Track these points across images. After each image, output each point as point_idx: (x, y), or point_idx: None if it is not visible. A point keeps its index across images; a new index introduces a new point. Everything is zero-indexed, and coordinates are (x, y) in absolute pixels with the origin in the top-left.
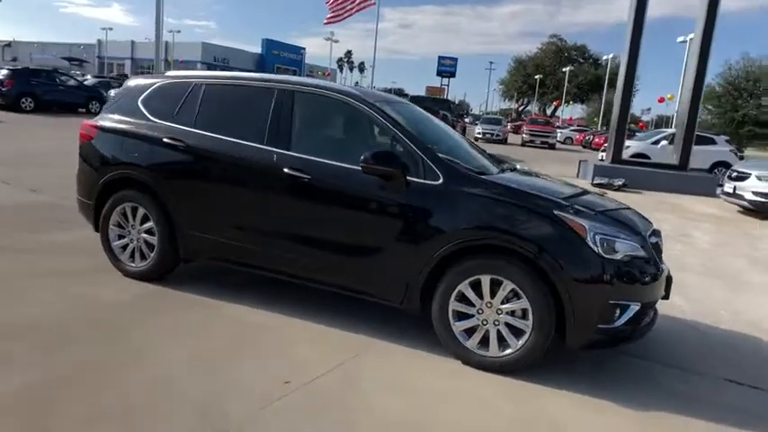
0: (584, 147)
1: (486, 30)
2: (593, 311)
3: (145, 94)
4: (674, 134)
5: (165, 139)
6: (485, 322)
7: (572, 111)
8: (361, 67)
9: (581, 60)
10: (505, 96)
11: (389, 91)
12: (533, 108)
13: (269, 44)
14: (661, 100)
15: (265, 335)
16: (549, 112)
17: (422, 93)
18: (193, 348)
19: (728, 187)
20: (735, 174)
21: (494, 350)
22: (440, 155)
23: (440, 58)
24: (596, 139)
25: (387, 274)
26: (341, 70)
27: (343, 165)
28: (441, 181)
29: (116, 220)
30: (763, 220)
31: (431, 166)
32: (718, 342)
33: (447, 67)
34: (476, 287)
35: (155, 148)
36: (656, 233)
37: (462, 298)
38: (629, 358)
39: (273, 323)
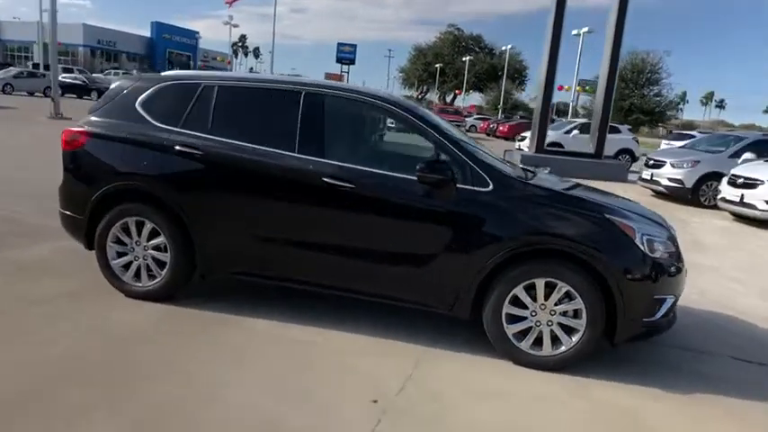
0: (487, 135)
1: (381, 16)
2: (640, 307)
3: (144, 96)
4: (584, 124)
5: (177, 147)
6: (538, 323)
7: (470, 99)
8: (256, 53)
9: (477, 50)
10: (406, 84)
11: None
12: (433, 96)
13: (159, 27)
14: (560, 88)
15: (316, 351)
16: (448, 100)
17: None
18: (255, 373)
19: (646, 174)
20: (651, 161)
21: (547, 349)
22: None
23: (339, 44)
24: (501, 128)
25: (435, 282)
26: (236, 55)
27: (390, 173)
28: (491, 187)
29: (115, 237)
30: (676, 203)
31: (479, 172)
32: (706, 322)
33: (346, 54)
34: (529, 290)
35: (166, 157)
36: (672, 227)
37: (516, 301)
38: (643, 344)
39: (316, 338)
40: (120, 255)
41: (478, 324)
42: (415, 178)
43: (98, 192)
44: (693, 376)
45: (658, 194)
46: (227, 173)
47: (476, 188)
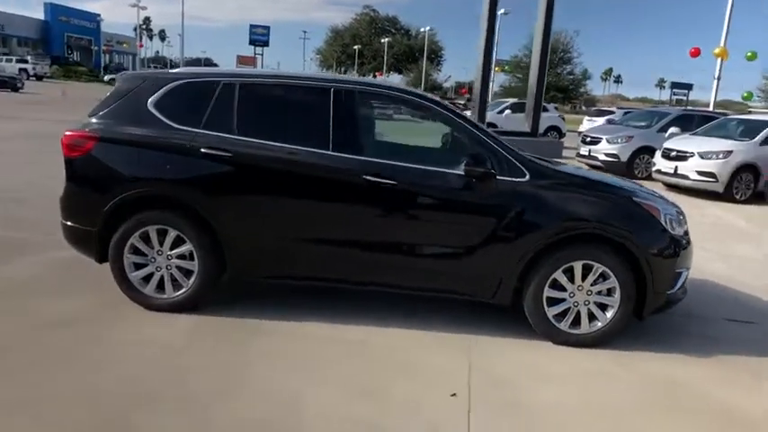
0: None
1: None
2: (666, 281)
3: (156, 95)
4: (515, 103)
5: (205, 150)
6: (576, 304)
7: (390, 81)
8: (162, 35)
9: (393, 31)
10: (323, 66)
11: (198, 60)
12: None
13: (54, 9)
14: None
15: (371, 349)
16: None
17: (233, 63)
18: (325, 378)
19: (584, 150)
20: (589, 138)
21: (585, 327)
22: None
23: (251, 26)
24: None
25: (479, 272)
26: (140, 39)
27: (431, 168)
28: (527, 177)
29: (133, 248)
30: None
31: (515, 163)
32: (694, 289)
33: (260, 36)
34: (566, 272)
35: (190, 160)
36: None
37: (554, 284)
38: (656, 315)
39: (365, 336)
40: (137, 266)
41: (510, 309)
42: (455, 172)
43: (113, 200)
44: (705, 339)
45: (595, 168)
46: (259, 174)
47: (514, 179)
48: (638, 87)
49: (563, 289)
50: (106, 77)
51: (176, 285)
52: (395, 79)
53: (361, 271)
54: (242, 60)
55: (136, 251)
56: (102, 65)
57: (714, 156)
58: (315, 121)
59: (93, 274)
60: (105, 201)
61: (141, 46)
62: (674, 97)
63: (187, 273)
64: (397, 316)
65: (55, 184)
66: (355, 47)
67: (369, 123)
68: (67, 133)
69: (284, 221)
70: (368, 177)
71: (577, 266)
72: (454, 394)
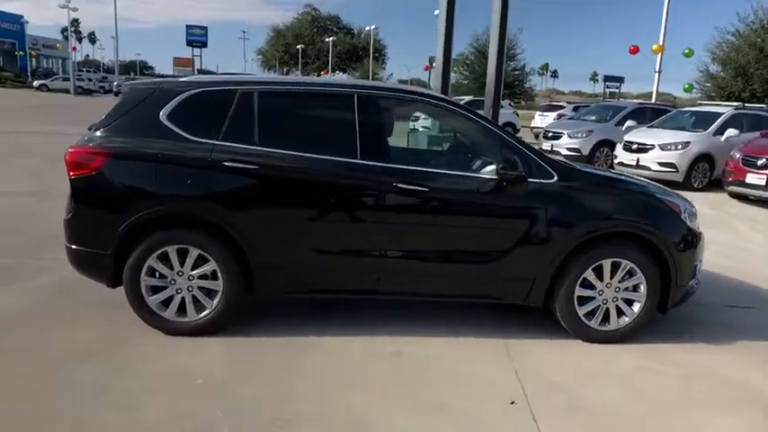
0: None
1: None
2: (687, 274)
3: (169, 107)
4: (472, 101)
5: (226, 163)
6: (605, 301)
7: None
8: (93, 38)
9: (336, 30)
10: (266, 66)
11: (134, 64)
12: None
13: None
14: (427, 68)
15: (414, 361)
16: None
17: (169, 65)
18: (380, 395)
19: (546, 145)
20: (550, 134)
21: (614, 324)
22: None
23: (188, 26)
24: None
25: (512, 275)
26: (71, 41)
27: (461, 173)
28: (555, 179)
29: (151, 270)
30: None
31: (542, 164)
32: None
33: (197, 37)
34: (595, 271)
35: (212, 175)
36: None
37: (584, 283)
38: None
39: (403, 347)
40: (155, 289)
41: (542, 310)
42: (485, 176)
43: (128, 220)
44: (719, 327)
45: None
46: (288, 187)
47: (543, 180)
48: (573, 81)
49: (592, 287)
50: (36, 83)
51: (198, 307)
52: (340, 78)
53: (393, 281)
54: (179, 62)
55: (153, 273)
56: (30, 70)
57: (673, 147)
58: (340, 128)
59: (95, 299)
60: (120, 221)
61: (74, 49)
62: (608, 90)
63: (210, 293)
64: (424, 324)
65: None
66: (298, 46)
67: (399, 129)
68: (72, 150)
69: (316, 234)
70: (401, 185)
71: (606, 264)
72: (513, 402)
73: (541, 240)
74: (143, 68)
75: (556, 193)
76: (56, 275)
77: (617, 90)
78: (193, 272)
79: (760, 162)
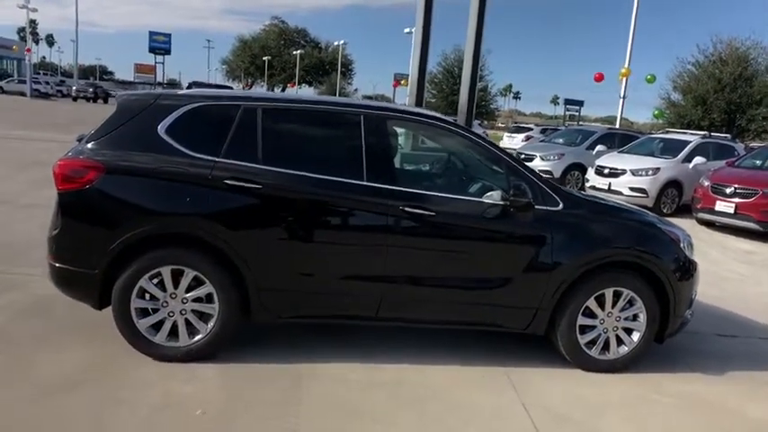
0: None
1: (189, 3)
2: (685, 304)
3: (167, 120)
4: None
5: (228, 181)
6: (605, 330)
7: (302, 93)
8: (50, 40)
9: (303, 43)
10: (230, 76)
11: (93, 68)
12: (262, 88)
13: None
14: (396, 84)
15: (413, 390)
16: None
17: (130, 71)
18: (393, 427)
19: None
20: (523, 155)
21: (613, 353)
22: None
23: (151, 33)
24: None
25: (516, 303)
26: (28, 43)
27: (468, 198)
28: (561, 206)
29: (142, 291)
30: None
31: (549, 192)
32: None
33: (160, 44)
34: (597, 300)
35: (213, 193)
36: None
37: (587, 312)
38: None
39: (399, 375)
40: (144, 312)
41: (527, 336)
42: (492, 201)
43: (121, 238)
44: (709, 356)
45: None
46: (291, 208)
47: (549, 208)
48: (534, 103)
49: (594, 316)
50: None
51: (191, 331)
52: (307, 92)
53: (394, 307)
54: (140, 69)
55: (144, 295)
56: None
57: (644, 173)
58: (346, 149)
59: (74, 320)
60: (112, 239)
61: (29, 51)
62: (568, 113)
63: (203, 317)
64: (422, 350)
65: None
66: (265, 58)
67: (404, 151)
68: (61, 162)
69: (318, 257)
70: (407, 209)
71: (608, 293)
72: None
73: (546, 268)
74: (103, 73)
75: (561, 221)
76: (27, 293)
77: (577, 113)
78: (187, 294)
79: (728, 190)
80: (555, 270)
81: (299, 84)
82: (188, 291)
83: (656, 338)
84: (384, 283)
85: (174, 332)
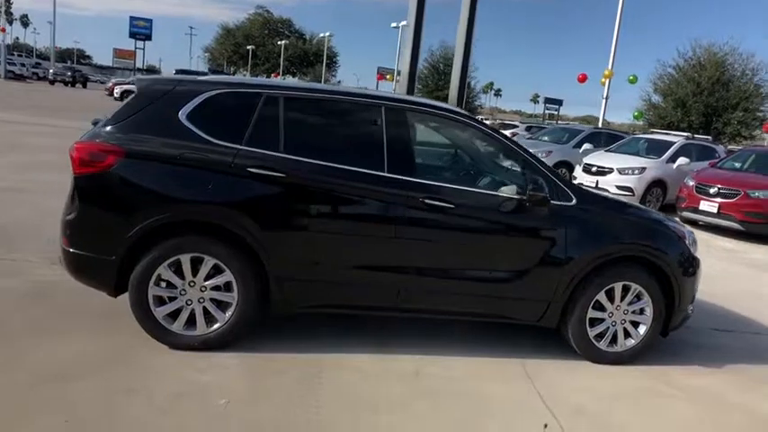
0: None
1: None
2: (689, 298)
3: (188, 106)
4: None
5: (251, 169)
6: (614, 323)
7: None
8: (25, 21)
9: (288, 34)
10: (213, 64)
11: (70, 51)
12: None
13: None
14: (380, 78)
15: (430, 381)
16: None
17: (109, 56)
18: (413, 417)
19: None
20: None
21: (621, 345)
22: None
23: (132, 18)
24: None
25: (530, 296)
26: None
27: (485, 191)
28: (574, 201)
29: (160, 279)
30: None
31: (563, 187)
32: None
33: (141, 29)
34: (607, 293)
35: (235, 180)
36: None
37: (596, 306)
38: None
39: (416, 366)
40: (161, 301)
41: (536, 328)
42: (509, 195)
43: (141, 225)
44: (710, 350)
45: None
46: (313, 197)
47: (563, 203)
48: (514, 101)
49: (603, 309)
50: None
51: (209, 320)
52: (290, 81)
53: (411, 298)
54: (119, 54)
55: (162, 283)
56: None
57: (630, 171)
58: (367, 140)
59: (78, 307)
60: (131, 225)
61: (3, 30)
62: (547, 111)
63: (221, 305)
64: (437, 341)
65: None
66: (249, 47)
67: (423, 143)
68: (79, 145)
69: (339, 247)
70: (427, 200)
71: (618, 287)
72: (546, 425)
73: (560, 262)
74: (80, 57)
75: (575, 216)
76: (25, 279)
77: (556, 112)
78: (206, 282)
79: (712, 190)
80: (568, 264)
81: (283, 74)
82: (207, 279)
83: (661, 332)
84: (402, 274)
85: (190, 321)
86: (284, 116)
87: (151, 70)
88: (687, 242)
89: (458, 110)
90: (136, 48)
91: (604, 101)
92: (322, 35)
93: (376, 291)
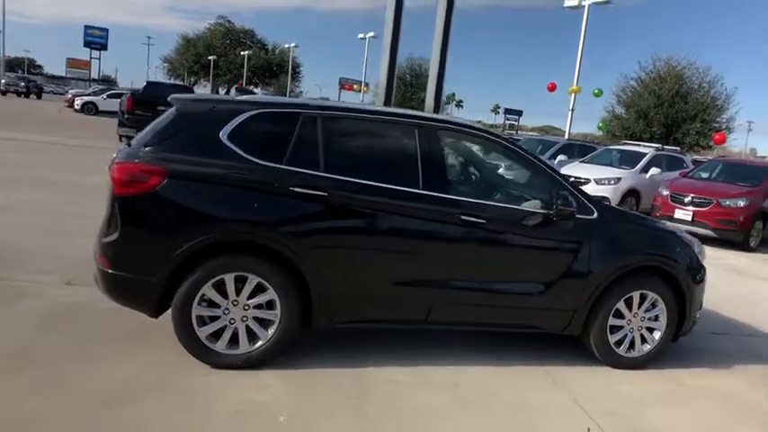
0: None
1: None
2: (697, 306)
3: (229, 126)
4: None
5: (294, 188)
6: (631, 330)
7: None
8: None
9: (250, 44)
10: (172, 75)
11: (20, 60)
12: (206, 89)
13: None
14: (349, 88)
15: (469, 391)
16: (222, 93)
17: (62, 66)
18: (466, 427)
19: None
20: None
21: (638, 350)
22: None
23: (86, 27)
24: None
25: (558, 306)
26: None
27: (515, 207)
28: (595, 215)
29: (204, 298)
30: None
31: (584, 201)
32: None
33: (96, 38)
34: (626, 302)
35: (278, 200)
36: None
37: (616, 313)
38: None
39: (453, 377)
40: (202, 321)
41: (576, 339)
42: (538, 210)
43: (186, 245)
44: (713, 353)
45: None
46: (354, 214)
47: (586, 216)
48: (475, 111)
49: (622, 317)
50: None
51: (252, 338)
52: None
53: (444, 311)
54: (73, 63)
55: (206, 302)
56: None
57: (607, 182)
58: (404, 158)
59: (105, 328)
60: (176, 246)
61: None
62: (507, 122)
63: (265, 323)
64: (463, 352)
65: None
66: (210, 57)
67: (456, 161)
68: (120, 166)
69: (379, 263)
70: (464, 217)
71: (636, 296)
72: (589, 429)
73: (585, 273)
74: (31, 66)
75: (597, 229)
76: (42, 301)
77: (516, 122)
78: (249, 301)
79: (686, 199)
80: (592, 274)
81: (247, 85)
82: (250, 297)
83: (672, 338)
84: (438, 288)
85: (233, 339)
86: (323, 135)
87: (106, 80)
88: (696, 251)
89: (484, 128)
90: (91, 57)
91: (570, 113)
92: (287, 45)
93: (412, 305)
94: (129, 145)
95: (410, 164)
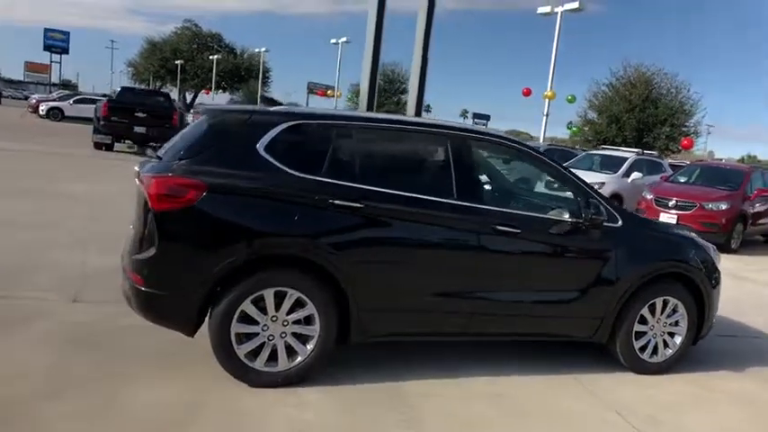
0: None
1: (78, 1)
2: (715, 310)
3: (266, 138)
4: None
5: (333, 201)
6: (654, 336)
7: (219, 99)
8: None
9: (218, 48)
10: (137, 79)
11: None
12: (175, 94)
13: None
14: (322, 93)
15: (515, 401)
16: (189, 98)
17: (19, 69)
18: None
19: None
20: None
21: (661, 355)
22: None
23: (47, 30)
24: None
25: (588, 314)
26: None
27: (547, 216)
28: (620, 223)
29: (243, 315)
30: None
31: (610, 210)
32: None
33: (57, 42)
34: (650, 308)
35: (317, 212)
36: None
37: (641, 320)
38: None
39: (496, 388)
40: (240, 339)
41: (603, 346)
42: (567, 219)
43: (227, 260)
44: (722, 355)
45: None
46: (393, 226)
47: (612, 224)
48: (444, 116)
49: (646, 323)
50: None
51: (291, 355)
52: (222, 98)
53: (481, 322)
54: (32, 67)
55: (246, 319)
56: None
57: None
58: (437, 169)
59: (129, 349)
60: (216, 262)
61: None
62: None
63: (304, 339)
64: (495, 363)
65: None
66: (177, 62)
67: (488, 171)
68: (156, 180)
69: (418, 275)
70: (499, 227)
71: (659, 302)
72: None
73: (613, 280)
74: None
75: (623, 236)
76: (54, 320)
77: (484, 127)
78: (288, 317)
79: (671, 203)
80: (619, 281)
81: (215, 90)
82: (289, 312)
83: (692, 341)
84: (474, 299)
85: (271, 357)
86: (358, 147)
87: (67, 85)
88: (712, 256)
89: (515, 138)
90: (51, 61)
91: (545, 117)
92: (257, 50)
93: (449, 317)
94: (156, 157)
95: (444, 174)
